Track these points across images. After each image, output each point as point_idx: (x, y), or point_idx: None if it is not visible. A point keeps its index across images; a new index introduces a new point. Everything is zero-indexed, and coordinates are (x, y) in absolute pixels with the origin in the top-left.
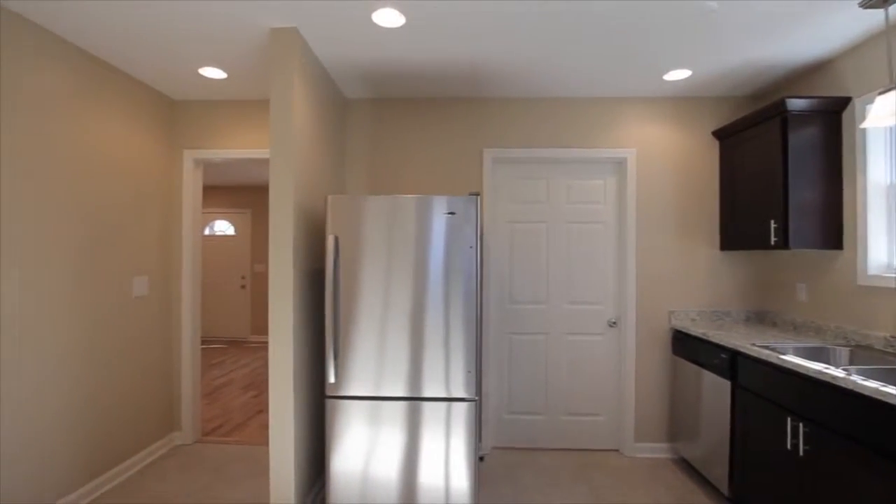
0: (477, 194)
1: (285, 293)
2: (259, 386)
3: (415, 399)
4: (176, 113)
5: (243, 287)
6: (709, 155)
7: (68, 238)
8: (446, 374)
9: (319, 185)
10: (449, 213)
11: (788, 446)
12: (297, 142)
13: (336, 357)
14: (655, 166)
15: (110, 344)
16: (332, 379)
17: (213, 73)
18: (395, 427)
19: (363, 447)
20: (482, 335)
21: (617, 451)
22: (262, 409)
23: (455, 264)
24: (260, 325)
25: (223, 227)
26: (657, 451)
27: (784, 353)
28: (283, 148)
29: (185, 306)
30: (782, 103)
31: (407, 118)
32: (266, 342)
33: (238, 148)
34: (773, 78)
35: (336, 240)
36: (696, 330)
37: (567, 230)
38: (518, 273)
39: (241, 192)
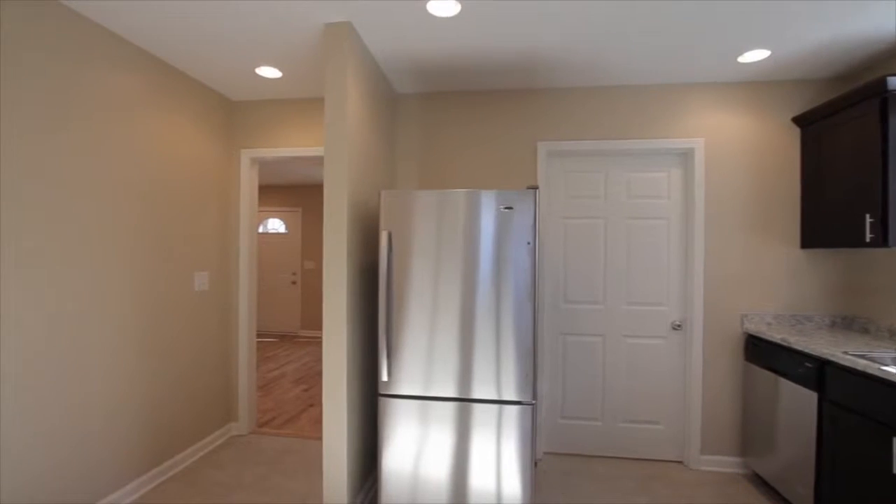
0: (535, 188)
1: (339, 289)
2: (310, 380)
3: (467, 401)
4: (234, 113)
5: (294, 283)
6: (787, 143)
7: (138, 235)
8: (499, 377)
9: (372, 181)
10: (506, 208)
11: (894, 470)
12: (350, 137)
13: (389, 355)
14: (726, 157)
15: (174, 336)
16: (384, 377)
17: (268, 72)
18: (448, 428)
19: (415, 447)
20: (538, 336)
21: (680, 462)
22: (314, 403)
23: (511, 261)
24: (309, 320)
25: (275, 225)
26: (725, 464)
27: (885, 364)
28: (337, 144)
29: (241, 301)
30: (882, 82)
31: (457, 112)
32: (315, 337)
33: (292, 146)
34: (865, 55)
35: (389, 236)
36: (774, 335)
37: (627, 226)
38: (573, 271)
39: (293, 191)
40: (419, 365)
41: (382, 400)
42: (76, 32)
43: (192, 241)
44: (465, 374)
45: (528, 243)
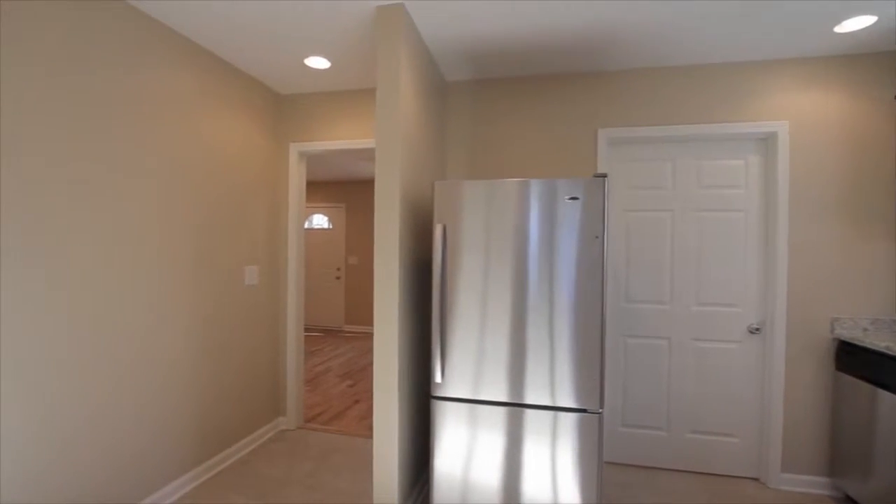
0: (603, 175)
1: (391, 286)
2: (355, 375)
3: (525, 406)
4: (282, 107)
5: (338, 278)
6: (890, 124)
7: (191, 229)
8: (562, 381)
9: (423, 173)
10: (571, 199)
11: None
12: (402, 127)
13: (443, 356)
14: (815, 141)
15: (226, 330)
16: (438, 378)
17: (317, 62)
18: (503, 435)
19: (468, 453)
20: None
21: (756, 480)
22: (360, 399)
23: (576, 256)
24: (353, 315)
25: (319, 221)
26: (811, 485)
27: None
28: (388, 134)
29: (290, 295)
30: None
31: (510, 100)
32: (359, 332)
33: (340, 139)
34: None
35: (444, 229)
36: (875, 342)
37: (697, 219)
38: (636, 268)
39: (337, 187)
40: (472, 367)
41: (435, 402)
42: (133, 26)
43: (242, 235)
44: (539, 378)
45: (597, 237)
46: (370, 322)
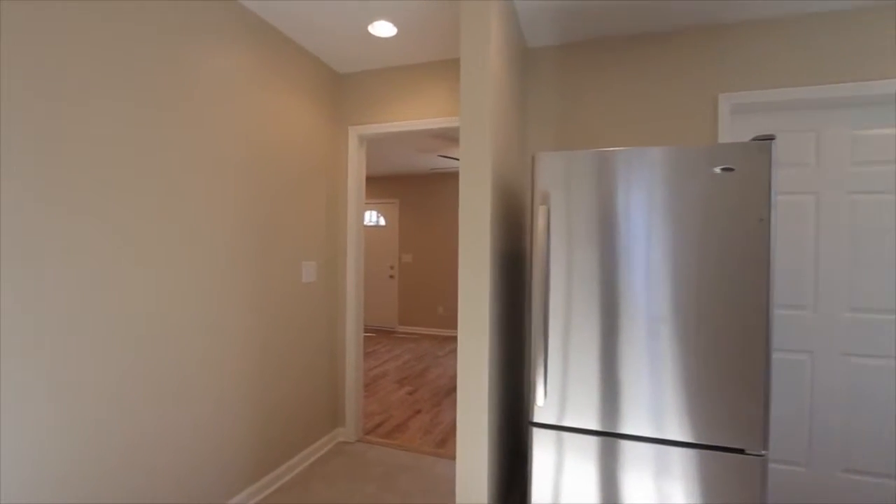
0: (770, 138)
1: (480, 287)
2: (413, 381)
3: (655, 441)
4: (341, 87)
5: (392, 277)
6: None
7: (246, 221)
8: (702, 411)
9: (509, 154)
10: (724, 170)
11: None
12: (492, 100)
13: (546, 373)
14: None
15: (284, 334)
16: (540, 401)
17: (382, 28)
18: (627, 475)
19: (579, 495)
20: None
21: None
22: (421, 409)
23: (729, 245)
24: (407, 315)
25: (373, 218)
26: None
27: None
28: (477, 106)
29: (349, 294)
30: None
31: (601, 67)
32: (412, 333)
33: (403, 120)
34: None
35: (548, 214)
36: None
37: (850, 204)
38: None
39: (390, 182)
40: (588, 387)
41: (536, 430)
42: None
43: (299, 229)
44: (653, 404)
45: (761, 220)
46: (425, 323)
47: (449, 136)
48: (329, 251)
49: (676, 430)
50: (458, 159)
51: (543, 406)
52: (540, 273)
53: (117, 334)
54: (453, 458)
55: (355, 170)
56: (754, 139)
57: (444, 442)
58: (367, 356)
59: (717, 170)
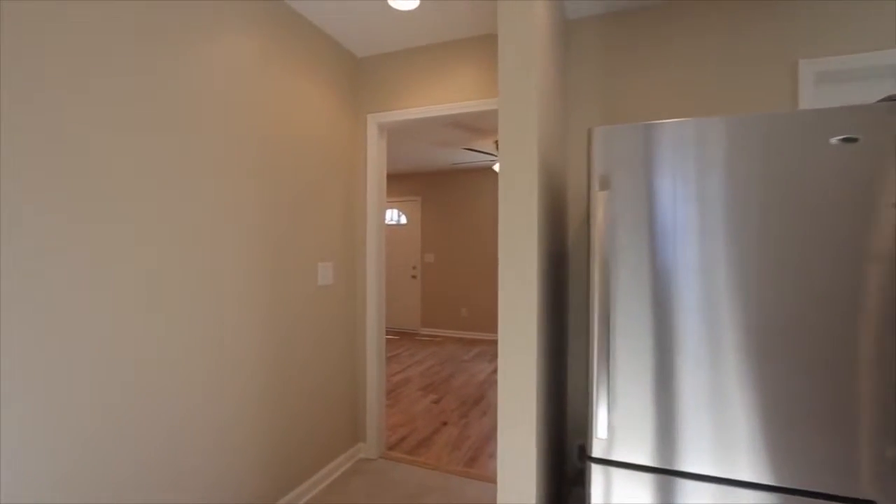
0: None
1: (525, 292)
2: (438, 389)
3: (799, 493)
4: (359, 72)
5: (414, 277)
6: None
7: (258, 220)
8: (830, 450)
9: (553, 136)
10: (844, 140)
11: None
12: (537, 70)
13: (609, 399)
14: None
15: (297, 345)
16: (601, 433)
17: (404, 1)
18: None
19: None
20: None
21: None
22: (447, 421)
23: (852, 238)
24: (430, 317)
25: (394, 216)
26: None
27: None
28: (520, 77)
29: (369, 298)
30: None
31: (654, 35)
32: (437, 336)
33: (428, 105)
34: None
35: (609, 200)
36: None
37: None
38: None
39: (411, 180)
40: (667, 416)
41: (596, 468)
42: None
43: (315, 227)
44: (765, 441)
45: (895, 204)
46: (448, 325)
47: (474, 128)
48: (347, 251)
49: (807, 476)
50: (483, 152)
51: (607, 439)
52: (598, 276)
53: (114, 357)
54: (484, 479)
55: (375, 161)
56: (883, 100)
57: (474, 460)
58: (390, 360)
59: (836, 140)
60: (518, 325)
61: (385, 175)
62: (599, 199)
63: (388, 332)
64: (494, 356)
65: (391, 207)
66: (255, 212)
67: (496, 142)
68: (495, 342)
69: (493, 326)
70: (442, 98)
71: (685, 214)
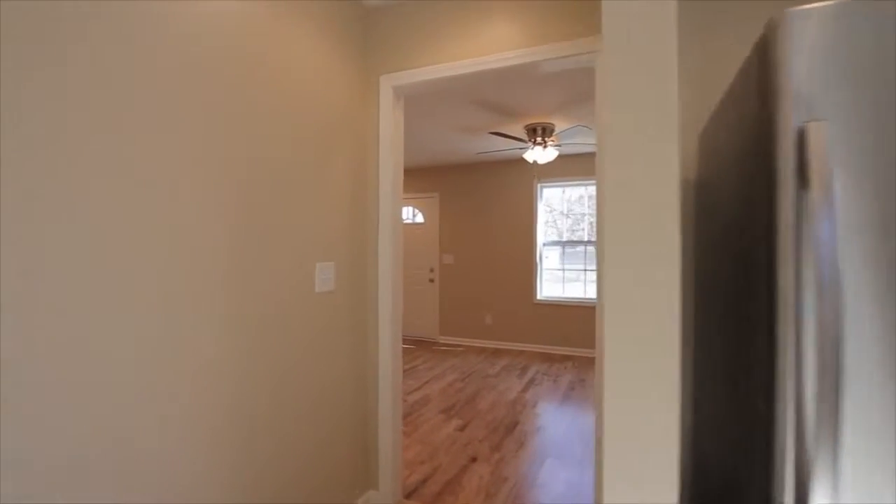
0: None
1: (658, 300)
2: (462, 411)
3: None
4: (369, 24)
5: (431, 281)
6: None
7: (234, 207)
8: None
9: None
10: None
11: None
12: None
13: (836, 448)
14: None
15: (282, 370)
16: (827, 499)
17: None
18: None
19: None
20: None
21: None
22: (477, 456)
23: None
24: (449, 325)
25: (409, 214)
26: None
27: None
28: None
29: (382, 306)
30: None
31: None
32: (457, 345)
33: (454, 60)
34: None
35: (825, 144)
36: None
37: None
38: None
39: (428, 174)
40: None
41: None
42: None
43: (313, 217)
44: None
45: None
46: (469, 334)
47: (500, 109)
48: (354, 248)
49: None
50: (512, 137)
51: None
52: (827, 270)
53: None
54: None
55: (389, 136)
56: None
57: None
58: (405, 375)
59: None
60: (642, 349)
61: (402, 154)
62: (814, 142)
63: (404, 341)
64: (523, 370)
65: (407, 204)
66: (234, 196)
67: (527, 126)
68: (522, 353)
69: (520, 336)
70: (472, 51)
71: None
